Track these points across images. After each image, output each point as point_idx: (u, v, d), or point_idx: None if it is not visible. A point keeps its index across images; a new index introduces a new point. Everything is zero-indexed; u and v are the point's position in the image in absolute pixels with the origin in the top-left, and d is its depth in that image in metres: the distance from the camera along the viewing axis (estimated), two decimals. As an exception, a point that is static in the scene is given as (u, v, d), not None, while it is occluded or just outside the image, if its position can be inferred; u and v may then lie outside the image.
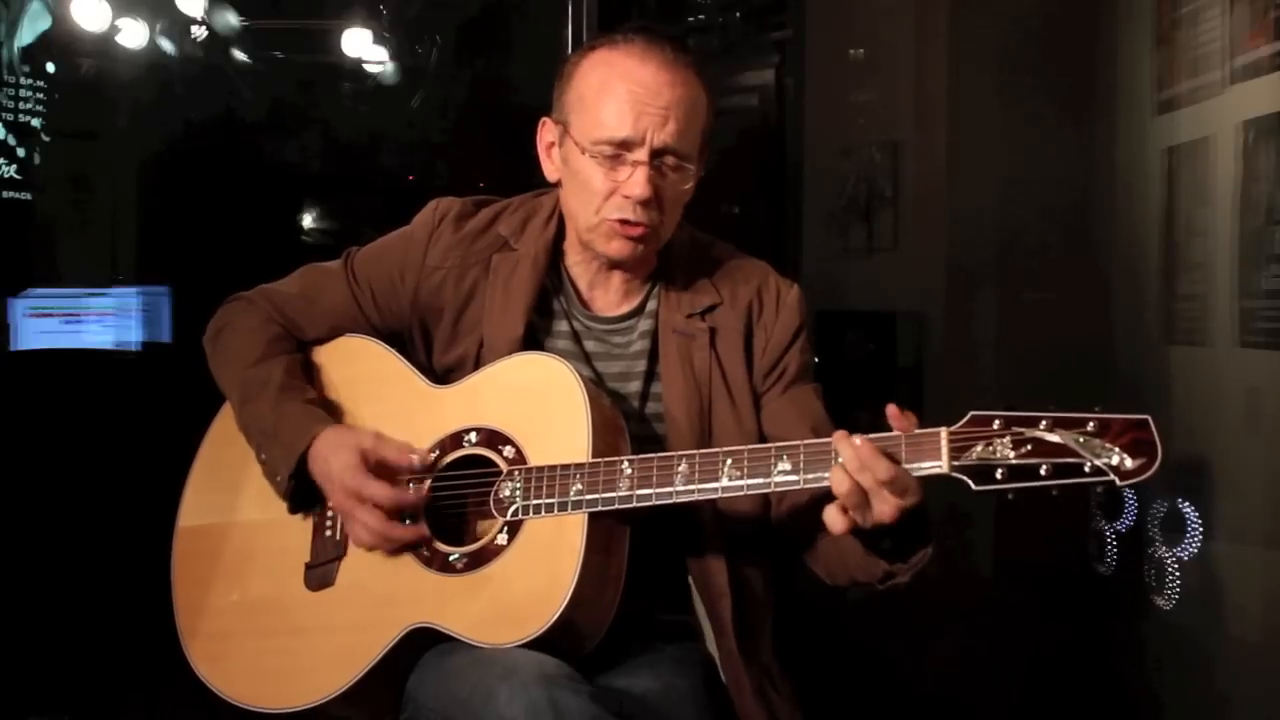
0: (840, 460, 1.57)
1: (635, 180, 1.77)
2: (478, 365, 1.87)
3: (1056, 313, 3.06)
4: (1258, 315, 2.32)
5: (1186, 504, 2.48)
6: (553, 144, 1.90)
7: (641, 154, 1.77)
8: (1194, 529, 2.47)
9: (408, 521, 1.77)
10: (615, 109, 1.78)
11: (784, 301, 1.94)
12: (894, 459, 1.55)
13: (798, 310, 1.94)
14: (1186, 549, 2.49)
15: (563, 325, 1.91)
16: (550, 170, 1.92)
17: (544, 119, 1.91)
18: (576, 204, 1.85)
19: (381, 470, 1.77)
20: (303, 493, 1.83)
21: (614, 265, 1.89)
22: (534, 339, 1.88)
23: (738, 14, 3.97)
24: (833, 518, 1.59)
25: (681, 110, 1.79)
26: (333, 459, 1.77)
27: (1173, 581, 2.52)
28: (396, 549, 1.78)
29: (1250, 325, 2.35)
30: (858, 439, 1.57)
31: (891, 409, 1.57)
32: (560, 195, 1.92)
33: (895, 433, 1.57)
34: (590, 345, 1.91)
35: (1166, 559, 2.53)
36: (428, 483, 1.79)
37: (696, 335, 1.88)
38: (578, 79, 1.85)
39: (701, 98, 1.83)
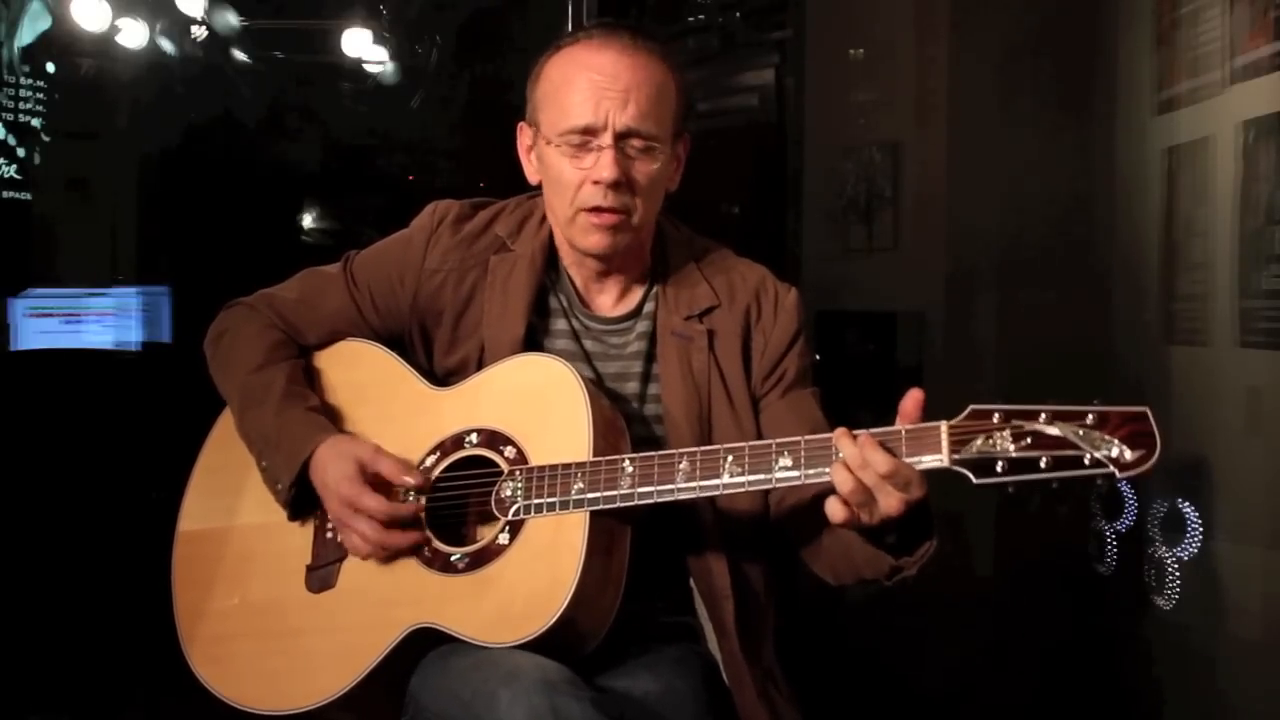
0: (841, 456, 1.57)
1: (602, 163, 1.78)
2: (479, 367, 1.87)
3: (1056, 313, 3.05)
4: (1258, 315, 2.32)
5: (1186, 504, 2.48)
6: (530, 147, 1.91)
7: (606, 138, 1.78)
8: (1194, 529, 2.47)
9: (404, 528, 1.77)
10: (577, 99, 1.79)
11: (782, 305, 1.93)
12: (893, 453, 1.55)
13: (796, 314, 1.93)
14: (1186, 549, 2.49)
15: (562, 324, 1.91)
16: (531, 173, 1.93)
17: (520, 124, 1.92)
18: (555, 201, 1.86)
19: (378, 482, 1.77)
20: (303, 500, 1.83)
21: (602, 264, 1.89)
22: (534, 339, 1.88)
23: (738, 14, 3.98)
24: (834, 509, 1.58)
25: (642, 93, 1.79)
26: (330, 468, 1.78)
27: (1173, 581, 2.51)
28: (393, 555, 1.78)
29: (1250, 325, 2.34)
30: (858, 434, 1.57)
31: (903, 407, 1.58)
32: (544, 197, 1.93)
33: (895, 427, 1.57)
34: (589, 345, 1.91)
35: (1166, 559, 2.52)
36: (424, 498, 1.79)
37: (695, 337, 1.88)
38: (543, 79, 1.86)
39: (667, 80, 1.83)
